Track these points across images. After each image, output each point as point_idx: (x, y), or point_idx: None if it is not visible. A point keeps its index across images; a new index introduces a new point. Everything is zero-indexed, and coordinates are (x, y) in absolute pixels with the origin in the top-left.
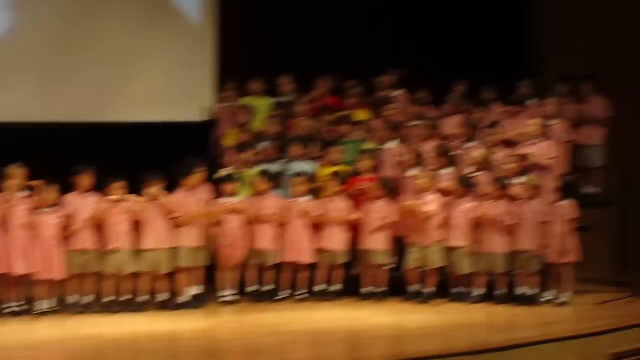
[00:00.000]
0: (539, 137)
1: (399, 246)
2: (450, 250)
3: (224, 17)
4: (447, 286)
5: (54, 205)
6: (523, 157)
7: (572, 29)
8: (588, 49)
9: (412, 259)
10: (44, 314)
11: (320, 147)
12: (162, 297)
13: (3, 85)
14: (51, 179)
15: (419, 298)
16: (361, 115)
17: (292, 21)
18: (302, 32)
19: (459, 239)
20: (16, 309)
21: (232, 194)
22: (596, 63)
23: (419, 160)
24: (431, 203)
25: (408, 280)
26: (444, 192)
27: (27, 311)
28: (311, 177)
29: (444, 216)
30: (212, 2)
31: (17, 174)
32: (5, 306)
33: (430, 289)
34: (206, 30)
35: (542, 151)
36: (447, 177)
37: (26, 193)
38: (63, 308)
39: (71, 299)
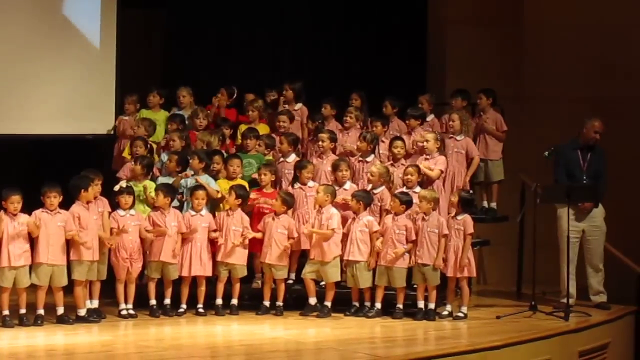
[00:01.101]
0: (434, 151)
1: (300, 259)
2: (349, 264)
3: (125, 33)
4: (346, 300)
5: None
6: (419, 169)
7: (469, 43)
8: (484, 64)
9: (308, 271)
10: None
11: (220, 160)
12: (59, 310)
13: None
14: None
15: (317, 312)
16: (261, 128)
17: (191, 36)
18: (202, 46)
19: (358, 253)
20: None
21: (130, 207)
22: (492, 78)
23: (318, 174)
24: (332, 219)
25: (307, 293)
26: (343, 206)
27: None
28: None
29: (343, 230)
30: (111, 23)
31: None
32: None
33: (328, 303)
34: (108, 46)
35: (436, 165)
36: (347, 191)
37: None
38: None
39: None
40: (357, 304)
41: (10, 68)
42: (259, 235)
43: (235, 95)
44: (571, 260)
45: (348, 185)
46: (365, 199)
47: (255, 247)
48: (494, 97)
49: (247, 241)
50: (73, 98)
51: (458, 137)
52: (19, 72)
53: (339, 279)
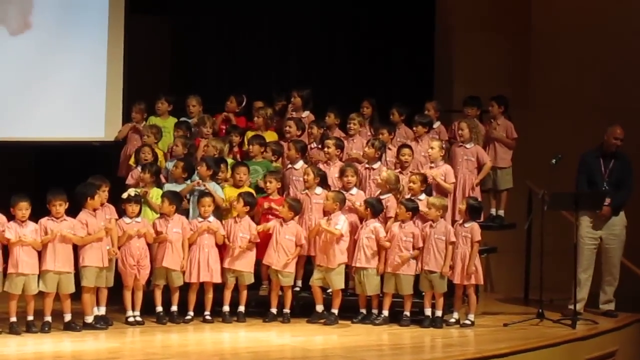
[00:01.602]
0: (439, 159)
1: (306, 266)
2: (356, 270)
3: (132, 38)
4: (353, 307)
5: None
6: (425, 177)
7: (476, 50)
8: (491, 71)
9: (315, 278)
10: None
11: (225, 169)
12: (67, 317)
13: None
14: None
15: (324, 319)
16: (268, 136)
17: (198, 43)
18: (210, 54)
19: (365, 260)
20: None
21: (136, 214)
22: (499, 85)
23: (325, 181)
24: (340, 224)
25: (314, 300)
26: (349, 210)
27: None
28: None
29: (350, 237)
30: (119, 28)
31: None
32: None
33: (335, 310)
34: (115, 52)
35: (445, 176)
36: (354, 197)
37: None
38: None
39: None
40: (364, 311)
41: (18, 74)
42: (265, 227)
43: (244, 103)
44: (586, 268)
45: (355, 190)
46: (375, 207)
47: (263, 255)
48: (505, 104)
49: (254, 244)
50: (80, 104)
51: (467, 145)
52: (26, 78)
53: (343, 286)
